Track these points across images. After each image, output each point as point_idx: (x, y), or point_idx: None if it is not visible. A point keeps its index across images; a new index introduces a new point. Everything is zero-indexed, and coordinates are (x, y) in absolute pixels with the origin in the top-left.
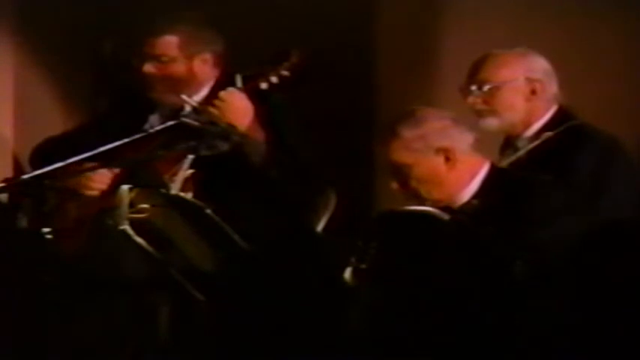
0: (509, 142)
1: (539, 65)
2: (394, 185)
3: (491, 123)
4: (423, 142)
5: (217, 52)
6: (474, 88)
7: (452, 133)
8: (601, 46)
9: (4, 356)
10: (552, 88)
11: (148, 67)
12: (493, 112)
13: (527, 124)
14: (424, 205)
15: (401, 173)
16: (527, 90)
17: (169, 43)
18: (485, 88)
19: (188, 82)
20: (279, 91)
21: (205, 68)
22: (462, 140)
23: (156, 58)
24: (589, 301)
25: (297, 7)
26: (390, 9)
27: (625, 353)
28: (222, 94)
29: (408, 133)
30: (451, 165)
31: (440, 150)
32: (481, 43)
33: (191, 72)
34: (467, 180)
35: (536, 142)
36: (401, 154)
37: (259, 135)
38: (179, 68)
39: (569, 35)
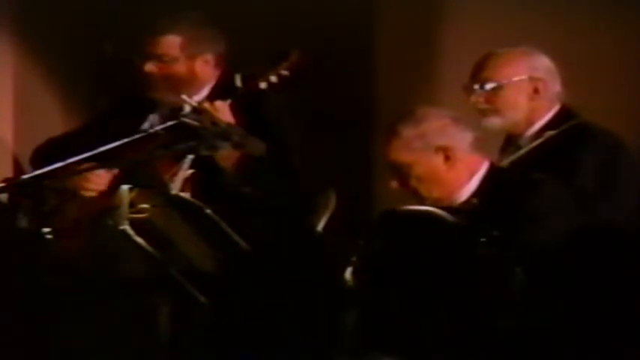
0: (510, 140)
1: (542, 64)
2: (394, 184)
3: (494, 122)
4: (422, 141)
5: (219, 52)
6: (476, 87)
7: (451, 132)
8: (601, 46)
9: (4, 356)
10: (555, 86)
11: (150, 67)
12: (496, 111)
13: (530, 123)
14: (424, 203)
15: (401, 172)
16: (530, 89)
17: (172, 42)
18: (488, 86)
19: (189, 83)
20: (279, 91)
21: (207, 69)
22: (461, 139)
23: (158, 58)
24: (588, 301)
25: (297, 7)
26: (390, 9)
27: (622, 354)
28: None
29: (407, 132)
30: (451, 164)
31: (439, 149)
32: (481, 43)
33: (192, 72)
34: (466, 179)
35: (539, 141)
36: (400, 153)
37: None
38: (180, 68)
39: (569, 35)
